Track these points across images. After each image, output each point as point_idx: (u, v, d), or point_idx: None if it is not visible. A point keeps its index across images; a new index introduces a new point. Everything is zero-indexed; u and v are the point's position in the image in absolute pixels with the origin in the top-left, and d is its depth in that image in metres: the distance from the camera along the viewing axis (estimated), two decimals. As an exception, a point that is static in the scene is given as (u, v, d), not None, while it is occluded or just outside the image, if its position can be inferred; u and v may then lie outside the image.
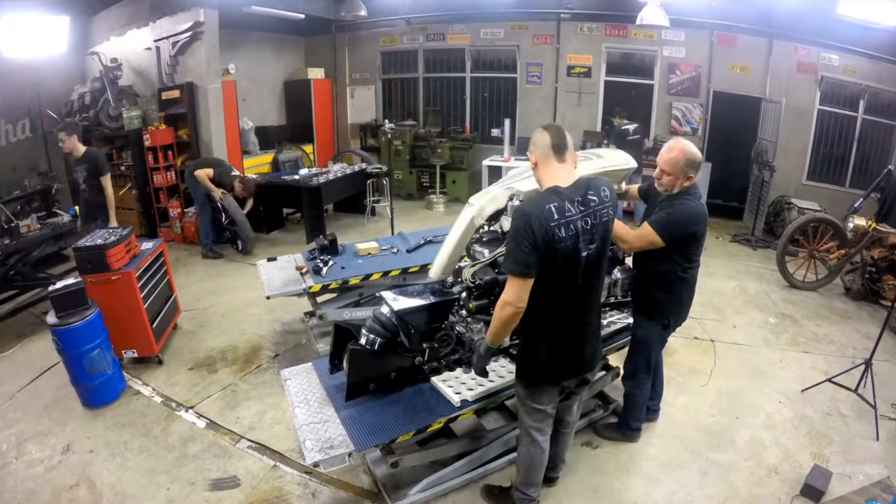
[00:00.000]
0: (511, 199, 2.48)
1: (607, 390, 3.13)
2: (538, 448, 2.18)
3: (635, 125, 6.61)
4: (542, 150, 1.92)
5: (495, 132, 8.21)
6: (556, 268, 1.83)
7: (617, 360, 3.12)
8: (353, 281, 3.65)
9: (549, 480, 2.51)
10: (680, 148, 2.36)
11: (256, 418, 3.11)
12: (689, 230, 2.38)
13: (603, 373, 3.09)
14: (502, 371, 2.51)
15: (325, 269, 3.71)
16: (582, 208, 1.85)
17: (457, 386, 2.38)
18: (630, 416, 2.85)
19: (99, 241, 3.40)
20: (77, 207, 5.24)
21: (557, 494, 2.53)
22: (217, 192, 5.77)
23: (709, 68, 7.28)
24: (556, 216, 1.79)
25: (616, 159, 2.78)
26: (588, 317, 2.02)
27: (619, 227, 2.39)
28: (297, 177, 6.52)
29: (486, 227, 2.61)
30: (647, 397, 2.85)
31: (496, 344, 2.00)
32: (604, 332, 2.84)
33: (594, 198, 1.89)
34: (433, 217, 7.54)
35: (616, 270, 2.65)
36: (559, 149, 1.91)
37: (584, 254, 1.87)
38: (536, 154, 1.95)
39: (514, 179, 2.62)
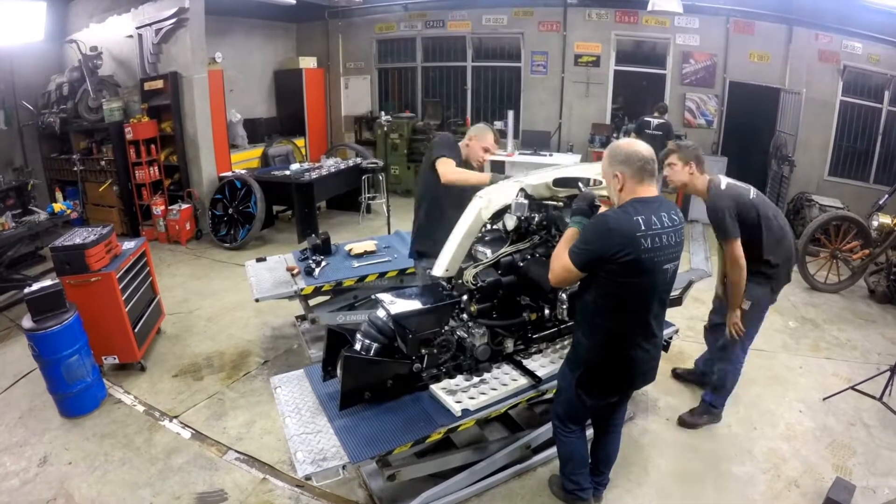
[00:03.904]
0: (518, 194, 2.48)
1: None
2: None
3: (661, 120, 6.60)
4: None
5: (498, 125, 8.21)
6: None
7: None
8: (348, 283, 3.65)
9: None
10: (608, 147, 2.07)
11: (245, 428, 3.11)
12: (594, 248, 1.90)
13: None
14: (506, 379, 2.51)
15: (317, 270, 3.71)
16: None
17: (458, 394, 2.38)
18: (561, 474, 2.45)
19: (77, 241, 3.40)
20: (56, 205, 5.24)
21: (564, 509, 2.53)
22: None
23: (724, 57, 7.29)
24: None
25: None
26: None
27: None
28: (287, 172, 6.52)
29: (488, 226, 2.62)
30: (577, 453, 2.37)
31: None
32: None
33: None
34: (432, 215, 7.53)
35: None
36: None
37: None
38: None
39: (524, 174, 2.63)
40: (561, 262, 1.98)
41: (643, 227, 1.88)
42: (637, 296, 1.97)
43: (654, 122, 6.58)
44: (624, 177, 1.96)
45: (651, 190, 1.98)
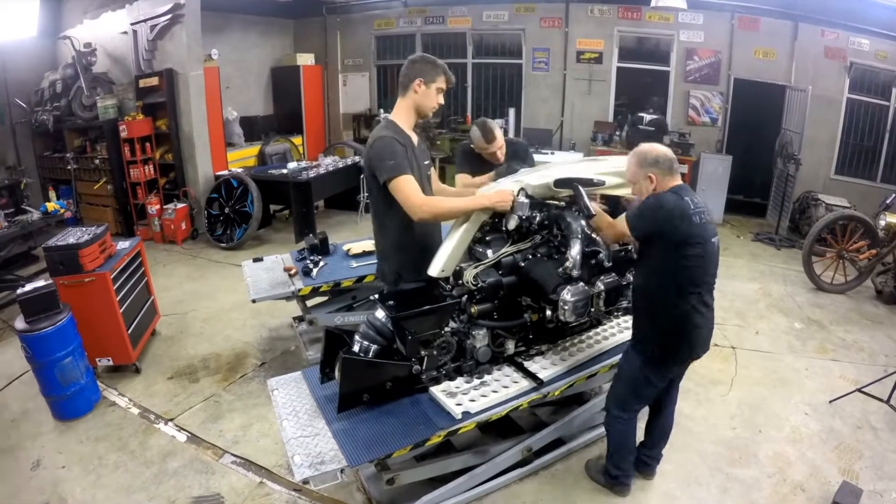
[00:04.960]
0: (519, 193, 2.48)
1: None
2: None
3: (654, 116, 6.64)
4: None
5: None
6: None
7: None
8: (346, 283, 3.64)
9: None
10: (632, 153, 2.36)
11: (241, 431, 3.11)
12: (654, 220, 2.19)
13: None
14: (507, 381, 2.50)
15: (315, 271, 3.71)
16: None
17: (458, 396, 2.38)
18: (609, 460, 2.61)
19: (71, 241, 3.39)
20: (49, 205, 5.24)
21: (566, 513, 2.54)
22: None
23: (729, 54, 7.29)
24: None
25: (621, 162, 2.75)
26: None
27: (599, 217, 2.42)
28: (285, 171, 6.53)
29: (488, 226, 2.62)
30: (629, 441, 2.57)
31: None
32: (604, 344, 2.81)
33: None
34: (432, 214, 7.53)
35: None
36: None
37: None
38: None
39: (525, 174, 2.63)
40: (618, 228, 2.35)
41: (692, 207, 2.19)
42: (695, 268, 2.20)
43: (648, 117, 6.61)
44: (657, 177, 2.27)
45: (679, 179, 2.31)
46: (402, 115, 2.50)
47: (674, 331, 2.28)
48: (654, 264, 2.28)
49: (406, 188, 2.30)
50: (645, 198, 2.29)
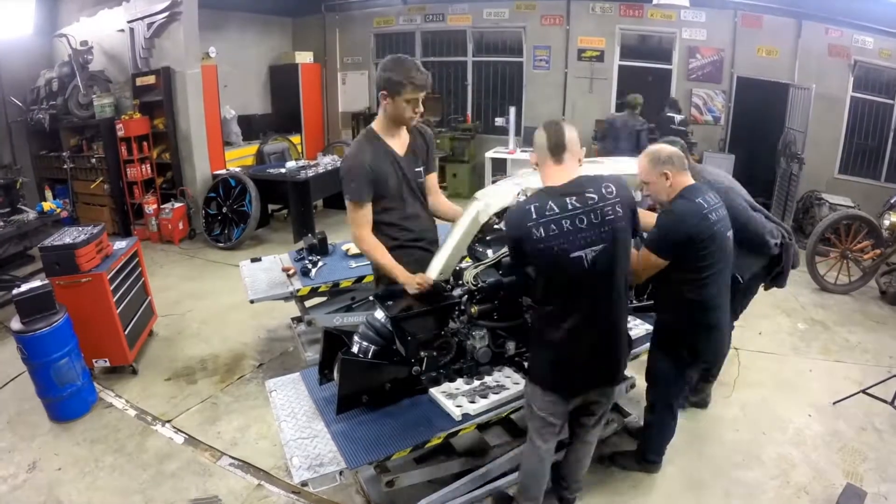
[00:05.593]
0: (519, 195, 2.48)
1: (623, 401, 3.13)
2: (537, 456, 2.30)
3: (682, 117, 6.63)
4: (541, 152, 2.02)
5: (499, 121, 8.22)
6: (548, 271, 1.96)
7: (634, 369, 3.10)
8: (345, 283, 3.64)
9: (564, 501, 2.54)
10: (644, 154, 2.44)
11: (239, 433, 3.11)
12: (675, 235, 2.25)
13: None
14: (507, 382, 2.50)
15: (313, 271, 3.71)
16: (577, 205, 1.89)
17: (458, 398, 2.38)
18: (647, 448, 2.77)
19: (67, 241, 3.40)
20: (45, 204, 5.24)
21: (567, 516, 2.53)
22: None
23: (732, 52, 7.30)
24: (533, 216, 1.88)
25: (621, 166, 2.76)
26: (599, 327, 2.02)
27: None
28: (283, 170, 6.53)
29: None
30: (671, 433, 2.74)
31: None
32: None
33: (592, 195, 1.90)
34: (432, 214, 7.54)
35: None
36: (556, 150, 1.97)
37: (579, 255, 1.88)
38: (536, 155, 2.06)
39: (524, 175, 2.63)
40: (645, 262, 2.33)
41: (706, 206, 2.27)
42: (716, 265, 2.30)
43: (678, 118, 6.58)
44: (671, 174, 2.34)
45: (690, 179, 2.39)
46: (381, 122, 2.52)
47: (701, 327, 2.40)
48: (679, 264, 2.31)
49: (354, 216, 2.40)
50: (658, 213, 2.41)
